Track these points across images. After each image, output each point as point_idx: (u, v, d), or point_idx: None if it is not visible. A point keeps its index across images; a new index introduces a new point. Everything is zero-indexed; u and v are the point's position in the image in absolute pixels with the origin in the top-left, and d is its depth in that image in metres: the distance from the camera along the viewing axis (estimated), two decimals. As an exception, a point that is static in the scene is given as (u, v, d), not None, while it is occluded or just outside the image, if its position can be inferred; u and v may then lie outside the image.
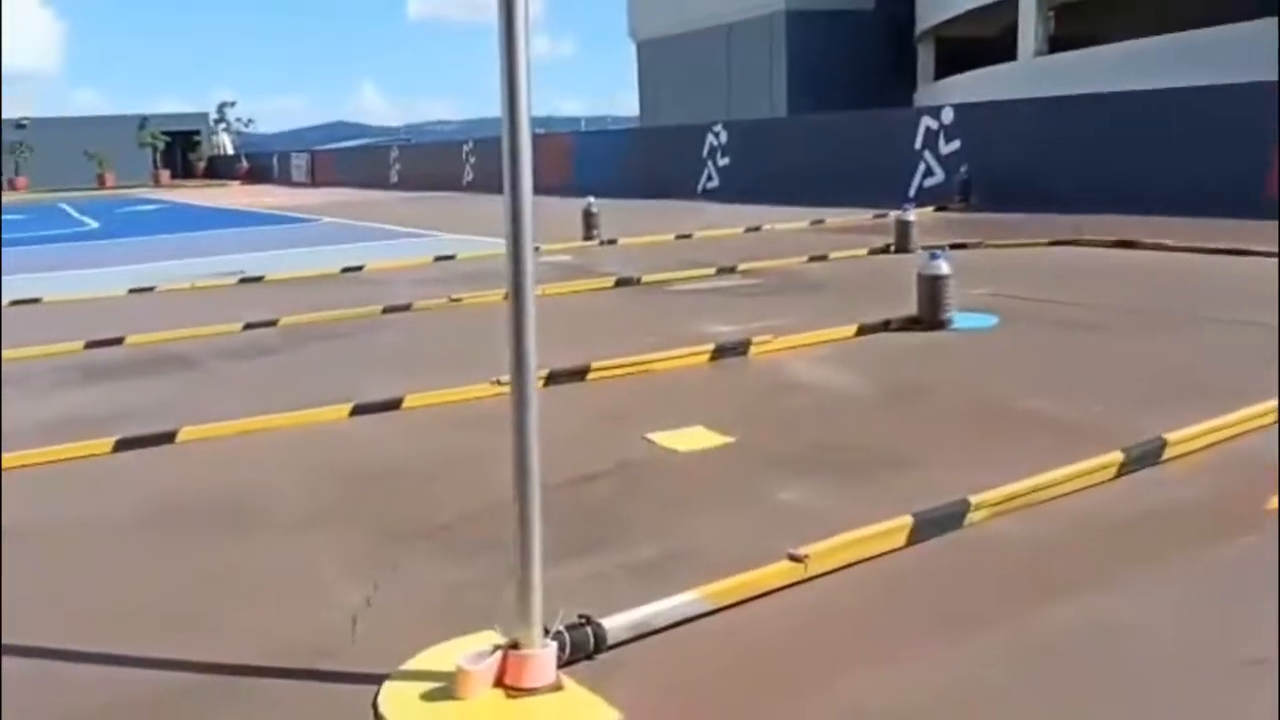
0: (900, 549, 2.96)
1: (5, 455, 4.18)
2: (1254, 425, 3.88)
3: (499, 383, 5.11)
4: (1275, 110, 11.93)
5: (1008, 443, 3.94)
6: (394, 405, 4.85)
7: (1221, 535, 3.01)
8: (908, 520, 3.00)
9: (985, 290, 7.01)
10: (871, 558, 2.90)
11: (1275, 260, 7.66)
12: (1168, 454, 3.59)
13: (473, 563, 3.08)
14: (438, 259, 11.11)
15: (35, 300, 9.02)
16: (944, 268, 5.99)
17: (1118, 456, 3.47)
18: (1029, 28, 26.20)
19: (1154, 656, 2.38)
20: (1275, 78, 12.43)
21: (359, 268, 10.52)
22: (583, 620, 2.44)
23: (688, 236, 12.25)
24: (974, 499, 3.14)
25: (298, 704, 2.35)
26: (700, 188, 20.21)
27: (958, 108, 15.79)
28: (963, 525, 3.09)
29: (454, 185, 27.51)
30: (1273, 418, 3.93)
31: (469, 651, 2.30)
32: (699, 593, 2.63)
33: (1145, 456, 3.53)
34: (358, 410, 4.79)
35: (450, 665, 2.32)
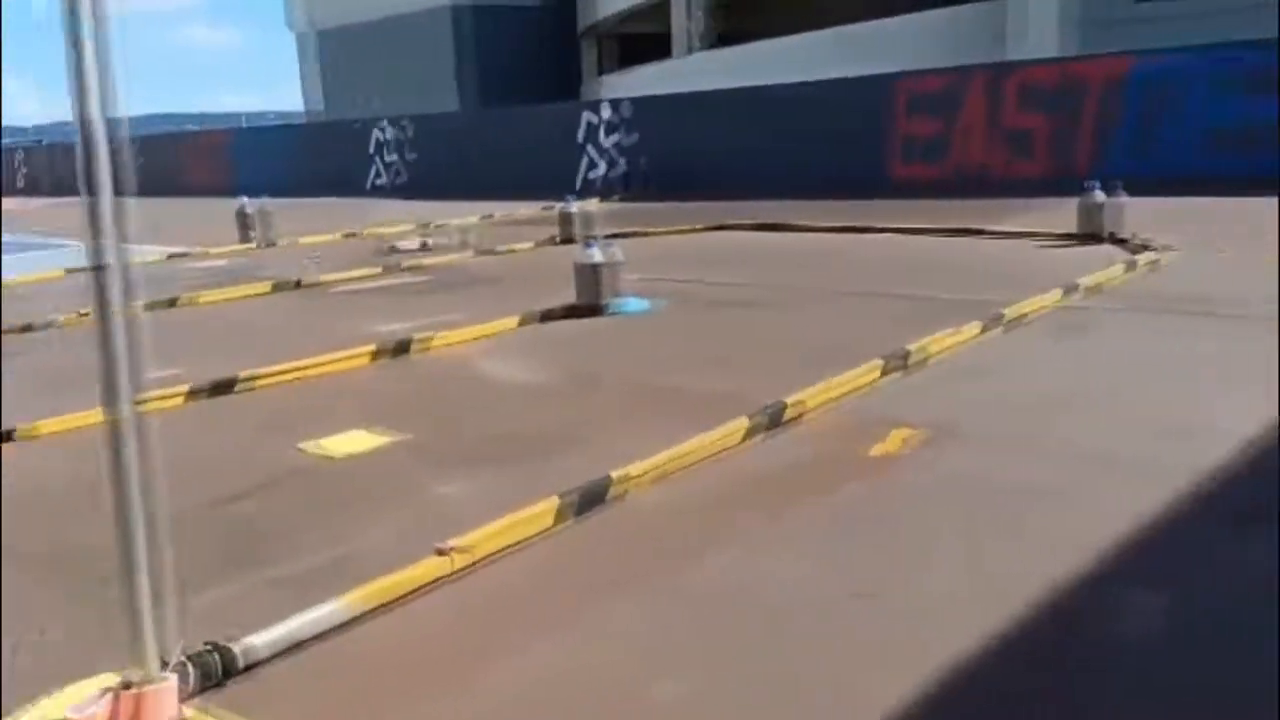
0: (549, 530, 3.04)
1: None
2: (863, 383, 4.33)
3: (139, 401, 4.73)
4: (895, 101, 13.38)
5: (661, 418, 4.14)
6: (6, 437, 4.36)
7: (832, 484, 3.33)
8: (554, 501, 3.08)
9: (643, 276, 7.33)
10: (521, 541, 2.95)
11: (900, 235, 8.60)
12: (788, 415, 3.92)
13: (95, 600, 2.83)
14: (69, 271, 10.08)
15: None
16: (599, 256, 6.20)
17: (744, 422, 3.75)
18: (687, 24, 27.62)
19: (781, 597, 2.59)
20: (897, 69, 13.89)
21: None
22: (209, 646, 2.31)
23: (354, 235, 11.91)
24: (615, 474, 3.28)
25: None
26: (370, 184, 19.71)
27: (616, 103, 16.40)
28: (606, 500, 3.22)
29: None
30: (876, 375, 4.40)
31: (79, 698, 2.11)
32: (344, 600, 2.57)
33: (768, 420, 3.84)
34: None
35: (57, 714, 2.13)
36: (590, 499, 3.17)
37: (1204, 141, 11.36)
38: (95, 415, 4.58)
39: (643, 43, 30.28)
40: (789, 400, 3.96)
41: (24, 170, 30.31)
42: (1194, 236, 7.66)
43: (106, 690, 2.13)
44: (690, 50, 27.30)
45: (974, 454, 3.54)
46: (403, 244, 10.29)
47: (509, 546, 2.93)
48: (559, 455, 3.79)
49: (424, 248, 10.13)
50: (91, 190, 2.08)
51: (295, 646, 2.45)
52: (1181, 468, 3.19)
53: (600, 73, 32.47)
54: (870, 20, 21.36)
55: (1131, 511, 2.90)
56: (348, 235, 11.87)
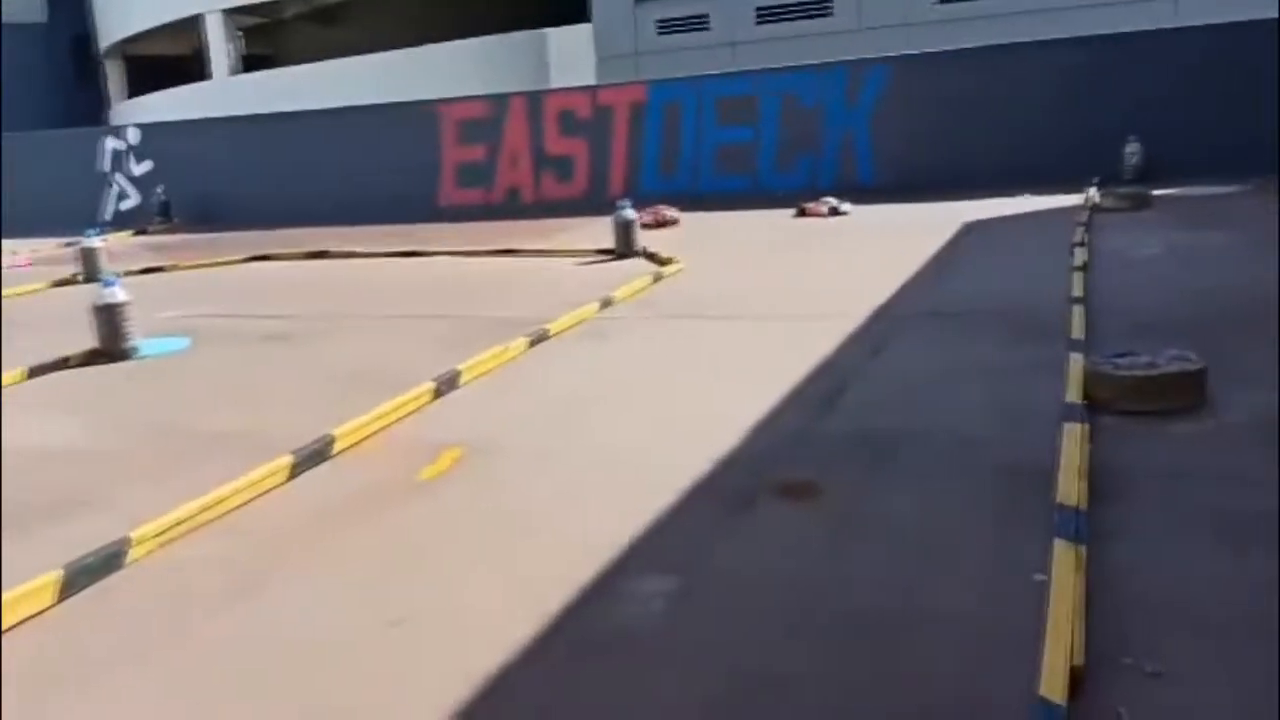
0: (50, 607, 2.70)
1: None
2: (413, 408, 4.32)
3: None
4: (440, 125, 13.55)
5: (195, 466, 3.82)
6: None
7: (379, 513, 3.28)
8: (56, 575, 2.75)
9: (177, 313, 6.80)
10: (15, 625, 2.59)
11: (450, 257, 8.68)
12: (338, 447, 3.82)
13: None
14: None
15: None
16: (120, 294, 5.65)
17: (289, 459, 3.60)
18: (220, 46, 26.06)
19: (312, 635, 2.50)
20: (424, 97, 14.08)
21: None
22: None
23: None
24: (135, 533, 3.00)
25: None
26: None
27: (145, 127, 15.13)
28: (124, 564, 2.93)
29: None
30: (427, 398, 4.42)
31: None
32: None
33: (316, 454, 3.71)
34: None
35: None
36: (104, 565, 2.86)
37: (712, 162, 12.77)
38: None
39: (175, 64, 28.13)
40: (336, 431, 3.85)
41: None
42: (705, 250, 8.53)
43: None
44: (231, 72, 25.84)
45: (512, 465, 3.65)
46: None
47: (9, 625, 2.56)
48: (70, 520, 3.38)
49: None
50: None
51: None
52: (694, 459, 3.52)
53: (130, 95, 29.72)
54: (415, 46, 21.51)
55: (650, 507, 3.13)
56: None
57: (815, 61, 12.37)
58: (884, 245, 8.07)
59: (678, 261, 7.77)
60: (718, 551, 2.85)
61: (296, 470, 3.60)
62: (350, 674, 2.35)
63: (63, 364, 5.51)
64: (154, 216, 13.72)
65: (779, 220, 10.29)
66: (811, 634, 2.37)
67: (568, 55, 17.53)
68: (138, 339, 5.68)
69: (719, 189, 12.39)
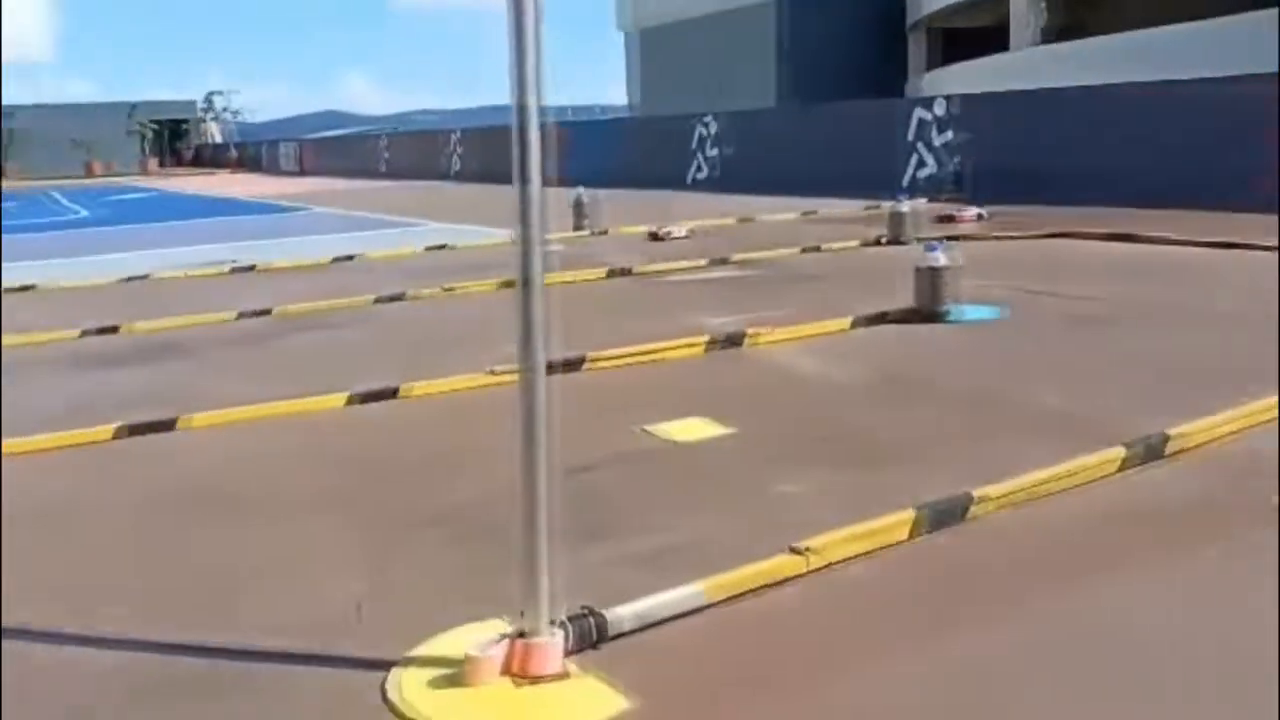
0: (903, 542, 2.98)
1: (6, 442, 4.17)
2: (1258, 420, 3.89)
3: (494, 372, 5.12)
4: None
5: (1010, 437, 3.95)
6: (390, 394, 4.85)
7: (1223, 531, 3.03)
8: (911, 513, 3.02)
9: (983, 282, 7.02)
10: (874, 551, 2.91)
11: (1275, 254, 7.69)
12: (1170, 449, 3.60)
13: (474, 551, 3.09)
14: (428, 249, 11.08)
15: (30, 288, 8.98)
16: (942, 259, 6.01)
17: (1120, 452, 3.49)
18: (1024, 18, 26.22)
19: (1156, 650, 2.39)
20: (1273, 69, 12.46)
21: (350, 257, 10.49)
22: (586, 610, 2.45)
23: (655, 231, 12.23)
24: (977, 492, 3.16)
25: (308, 688, 2.36)
26: (690, 178, 20.21)
27: (951, 99, 15.81)
28: (965, 518, 3.11)
29: (440, 174, 27.46)
30: (1274, 414, 3.94)
31: (477, 639, 2.31)
32: (702, 585, 2.64)
33: (1148, 452, 3.55)
34: (355, 399, 4.78)
35: (457, 652, 2.34)
36: (948, 515, 3.07)
37: None
38: (449, 383, 5.03)
39: (972, 37, 29.01)
40: (1171, 432, 3.64)
41: (386, 156, 33.68)
42: None
43: (504, 636, 2.32)
44: (1028, 44, 25.86)
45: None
46: (674, 232, 10.98)
47: (859, 555, 2.90)
48: (900, 465, 3.71)
49: (689, 235, 10.87)
50: (524, 174, 2.25)
51: (655, 623, 2.55)
52: None
53: (927, 68, 31.47)
54: (1215, 18, 19.31)
55: None
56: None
57: None
58: None
59: None
60: None
61: (1126, 464, 3.48)
62: (1199, 705, 2.20)
63: (881, 318, 6.04)
64: (948, 186, 14.38)
65: None
66: None
67: None
68: (953, 303, 5.99)
69: None
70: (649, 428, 4.20)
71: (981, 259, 8.25)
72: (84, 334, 6.75)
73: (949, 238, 8.39)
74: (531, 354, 2.29)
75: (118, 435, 4.34)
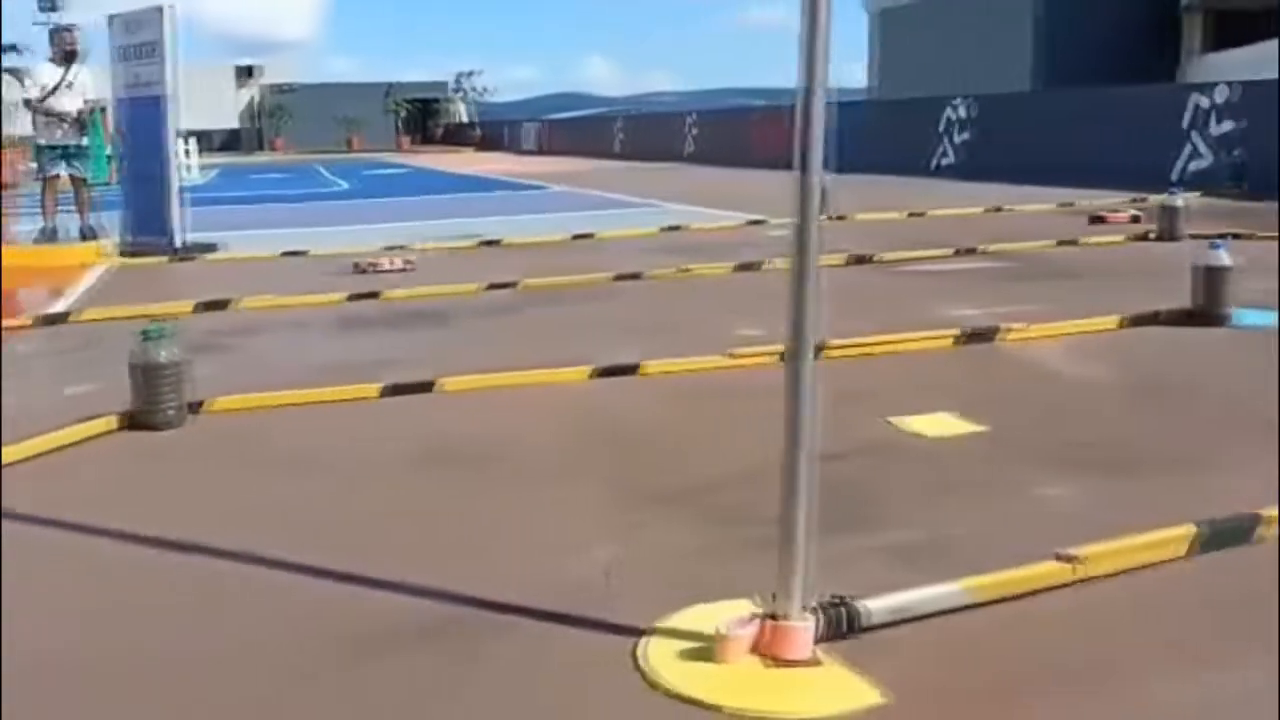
0: (1179, 559, 2.76)
1: (287, 394, 4.56)
2: None
3: (734, 355, 5.13)
4: None
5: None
6: (632, 370, 4.94)
7: None
8: (1190, 529, 2.78)
9: (1267, 286, 6.40)
10: (1148, 566, 2.71)
11: None
12: None
13: (711, 531, 3.10)
14: (663, 229, 11.22)
15: (302, 253, 9.75)
16: (1225, 258, 5.51)
17: None
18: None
19: None
20: None
21: (589, 235, 10.76)
22: (838, 599, 2.40)
23: (920, 215, 11.84)
24: (1264, 513, 2.88)
25: (560, 644, 2.45)
26: (934, 164, 19.48)
27: (1234, 85, 14.43)
28: (1250, 541, 2.84)
29: (674, 156, 27.76)
30: None
31: (731, 617, 2.31)
32: (962, 585, 2.53)
33: None
34: (598, 373, 4.90)
35: (702, 627, 2.37)
36: (1230, 535, 2.82)
37: None
38: (688, 363, 5.05)
39: (1247, 20, 26.47)
40: None
41: (620, 137, 34.42)
42: None
43: (755, 616, 2.31)
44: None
45: None
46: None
47: (1130, 569, 2.70)
48: (1171, 476, 3.44)
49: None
50: (804, 155, 2.21)
51: (909, 619, 2.47)
52: None
53: (1203, 51, 29.00)
54: None
55: None
56: (913, 215, 11.84)
57: None
58: None
59: None
60: None
61: None
62: None
63: (1153, 318, 5.61)
64: (1224, 180, 13.18)
65: None
66: None
67: None
68: (1235, 306, 5.49)
69: None
70: (895, 420, 4.08)
71: (1266, 261, 7.51)
72: (350, 298, 7.25)
73: (1229, 235, 7.70)
74: (802, 336, 2.26)
75: (384, 393, 4.64)
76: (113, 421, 4.17)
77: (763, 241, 9.87)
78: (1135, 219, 10.22)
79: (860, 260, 8.41)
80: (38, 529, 3.19)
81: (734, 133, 26.51)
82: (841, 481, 3.45)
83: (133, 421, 4.18)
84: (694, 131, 28.87)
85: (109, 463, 3.91)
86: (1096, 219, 10.57)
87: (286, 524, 3.23)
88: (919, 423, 4.05)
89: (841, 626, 2.37)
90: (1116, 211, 10.82)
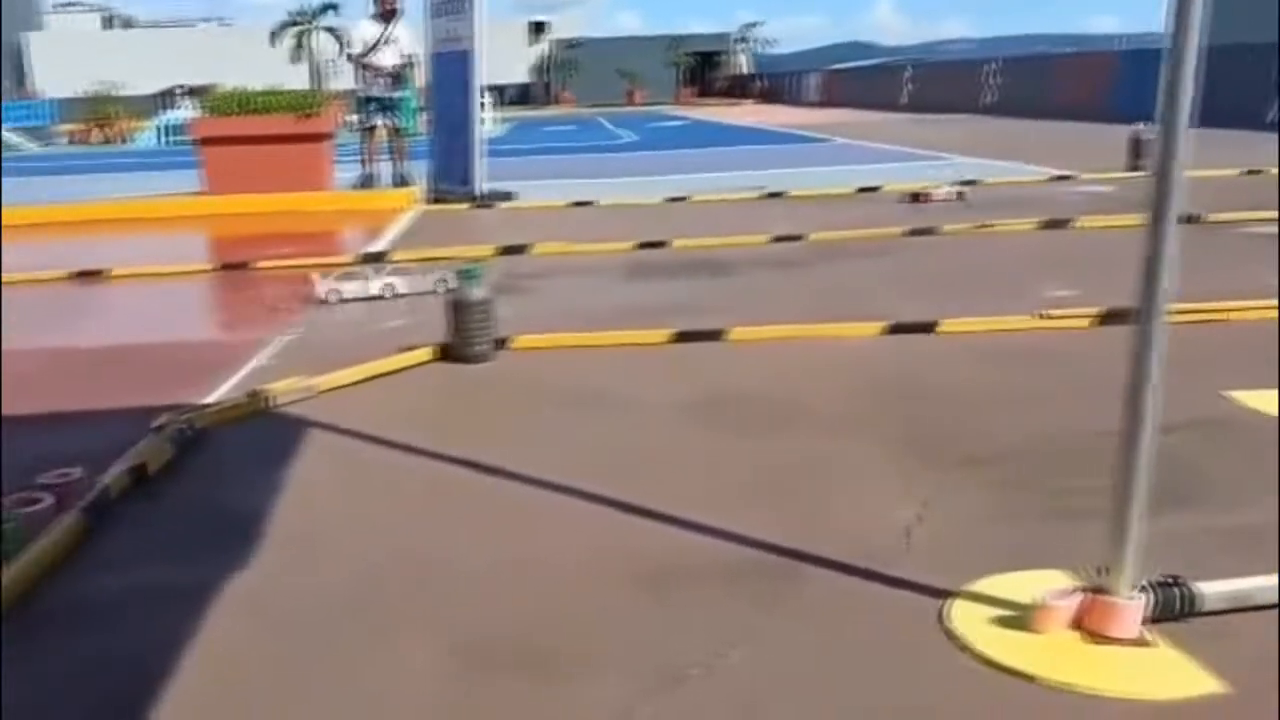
0: None
1: (583, 335, 4.76)
2: None
3: (1044, 316, 4.84)
4: None
5: None
6: (928, 328, 4.76)
7: None
8: None
9: None
10: None
11: None
12: None
13: (1018, 498, 2.95)
14: (954, 184, 10.69)
15: (590, 203, 10.10)
16: None
17: None
18: None
19: None
20: None
21: (875, 188, 10.46)
22: (1171, 579, 2.21)
23: (1258, 172, 10.61)
24: None
25: (859, 597, 2.41)
26: (1271, 117, 17.40)
27: None
28: None
29: (969, 107, 26.38)
30: None
31: (1051, 587, 2.19)
32: (1314, 579, 2.27)
33: None
34: (891, 329, 4.76)
35: (1013, 595, 2.27)
36: None
37: None
38: (989, 322, 4.80)
39: None
40: None
41: (909, 87, 33.16)
42: None
43: (1077, 589, 2.17)
44: None
45: None
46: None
47: None
48: None
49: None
50: (1170, 107, 2.02)
51: (1251, 607, 2.24)
52: None
53: None
54: None
55: None
56: (1250, 173, 10.63)
57: None
58: None
59: None
60: None
61: None
62: None
63: None
64: None
65: None
66: None
67: None
68: None
69: None
70: (1229, 394, 3.71)
71: None
72: (639, 246, 7.43)
73: None
74: (1154, 299, 2.08)
75: (675, 339, 4.73)
76: (431, 353, 4.51)
77: (1071, 199, 9.23)
78: None
79: (1188, 220, 7.64)
80: (369, 446, 3.52)
81: (1037, 81, 24.97)
82: (1174, 456, 3.17)
83: (446, 354, 4.50)
84: (996, 79, 27.36)
85: (428, 390, 4.24)
86: None
87: (584, 457, 3.38)
88: (1255, 399, 3.66)
89: (1174, 608, 2.19)
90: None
